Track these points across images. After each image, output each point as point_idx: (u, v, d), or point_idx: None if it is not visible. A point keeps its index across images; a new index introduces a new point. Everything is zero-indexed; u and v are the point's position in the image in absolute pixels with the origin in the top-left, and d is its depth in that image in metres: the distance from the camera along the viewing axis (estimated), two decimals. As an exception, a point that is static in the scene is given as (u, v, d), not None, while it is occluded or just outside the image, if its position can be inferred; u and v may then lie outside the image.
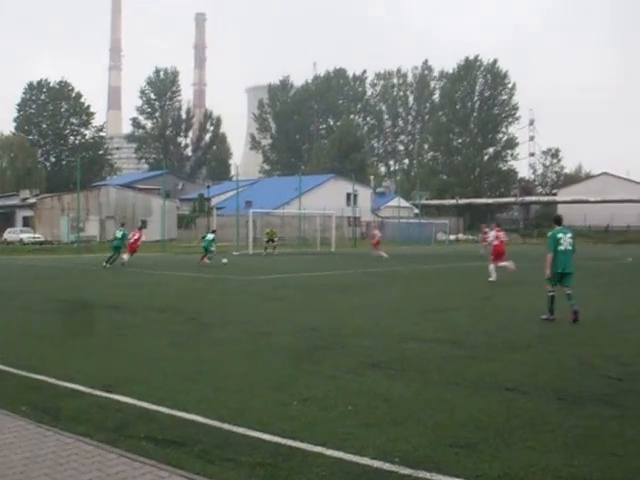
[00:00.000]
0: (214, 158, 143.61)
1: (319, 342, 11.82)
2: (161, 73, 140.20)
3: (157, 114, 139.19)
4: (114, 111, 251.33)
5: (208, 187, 66.31)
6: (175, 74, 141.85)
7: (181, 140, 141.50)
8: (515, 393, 8.18)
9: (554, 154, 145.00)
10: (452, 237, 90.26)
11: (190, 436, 6.49)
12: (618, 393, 8.24)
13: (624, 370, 9.61)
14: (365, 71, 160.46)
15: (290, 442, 6.29)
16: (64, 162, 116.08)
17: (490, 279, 25.68)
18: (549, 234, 15.48)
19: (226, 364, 9.89)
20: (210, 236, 37.49)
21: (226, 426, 6.78)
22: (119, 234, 34.46)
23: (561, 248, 14.93)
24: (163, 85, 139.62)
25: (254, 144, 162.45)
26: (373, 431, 6.64)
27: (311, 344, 11.59)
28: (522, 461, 5.85)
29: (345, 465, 5.76)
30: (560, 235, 15.04)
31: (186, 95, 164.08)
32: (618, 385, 8.68)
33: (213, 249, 36.76)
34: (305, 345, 11.50)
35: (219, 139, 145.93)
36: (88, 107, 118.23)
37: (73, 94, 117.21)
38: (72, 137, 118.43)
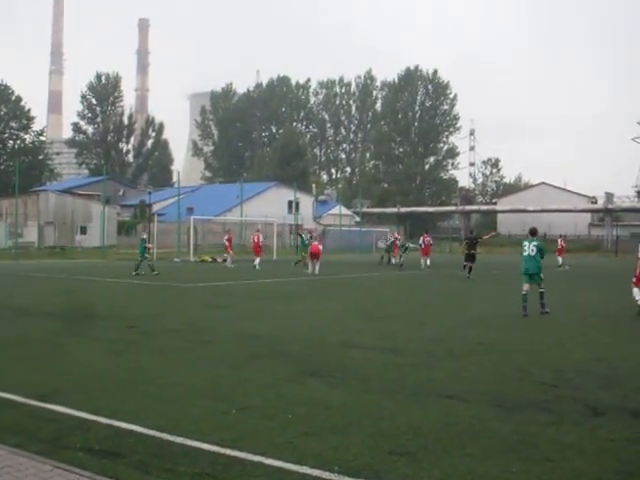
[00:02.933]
0: (156, 164, 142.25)
1: (259, 350, 11.78)
2: (103, 78, 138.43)
3: (98, 119, 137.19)
4: (55, 115, 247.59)
5: (149, 193, 65.70)
6: (117, 79, 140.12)
7: (123, 146, 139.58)
8: (454, 400, 8.24)
9: (494, 164, 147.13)
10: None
11: (127, 446, 6.39)
12: (554, 399, 8.36)
13: (560, 376, 9.76)
14: (309, 79, 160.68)
15: (229, 451, 6.23)
16: (2, 167, 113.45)
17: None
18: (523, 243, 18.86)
19: (165, 373, 9.78)
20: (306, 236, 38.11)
21: (164, 436, 6.69)
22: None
23: (525, 254, 18.27)
24: (105, 90, 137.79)
25: (196, 151, 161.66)
26: (313, 440, 6.62)
27: (251, 352, 11.54)
28: (461, 468, 5.88)
29: (285, 474, 5.73)
30: (525, 243, 18.45)
31: (128, 101, 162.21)
32: (554, 391, 8.81)
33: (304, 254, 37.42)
34: (245, 353, 11.45)
35: (161, 145, 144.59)
36: (28, 111, 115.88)
37: (13, 97, 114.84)
38: (11, 141, 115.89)
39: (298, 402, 8.05)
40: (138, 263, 33.23)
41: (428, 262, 40.61)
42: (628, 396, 8.61)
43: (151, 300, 21.61)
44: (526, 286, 18.03)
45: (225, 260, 42.66)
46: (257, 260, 38.92)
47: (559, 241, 47.82)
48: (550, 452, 6.34)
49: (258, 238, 40.21)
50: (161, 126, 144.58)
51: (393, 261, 41.92)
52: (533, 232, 18.86)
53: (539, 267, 18.06)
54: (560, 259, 45.47)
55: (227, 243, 41.37)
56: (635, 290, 18.38)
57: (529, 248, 18.15)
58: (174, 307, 19.48)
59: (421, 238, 42.35)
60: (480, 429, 7.03)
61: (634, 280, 18.56)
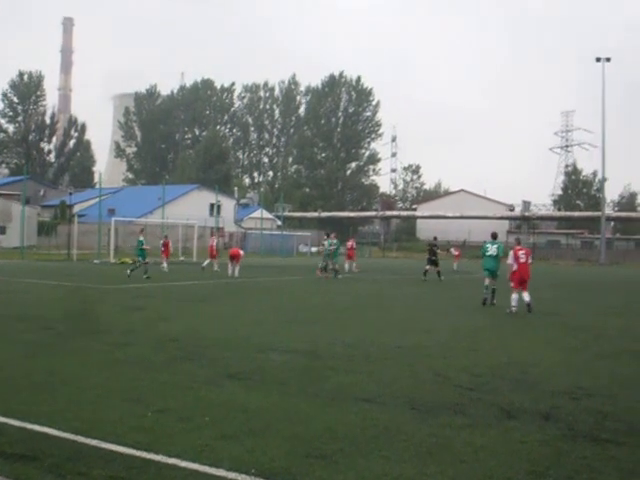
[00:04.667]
0: (77, 165, 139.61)
1: (178, 353, 11.69)
2: (25, 76, 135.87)
3: (20, 118, 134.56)
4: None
5: (70, 194, 64.72)
6: (40, 78, 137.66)
7: (44, 145, 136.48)
8: (371, 404, 8.30)
9: (415, 170, 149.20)
10: (314, 249, 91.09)
11: (41, 449, 6.26)
12: (469, 402, 8.50)
13: (475, 380, 9.92)
14: (233, 83, 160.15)
15: (144, 454, 6.16)
16: None
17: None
18: (484, 244, 22.51)
19: (82, 375, 9.63)
20: (326, 243, 37.38)
21: (79, 438, 6.58)
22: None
23: (488, 253, 21.65)
24: (27, 89, 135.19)
25: (119, 152, 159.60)
26: (229, 442, 6.60)
27: (170, 355, 11.44)
28: (376, 471, 5.93)
29: (200, 477, 5.70)
30: (488, 245, 21.74)
31: (51, 100, 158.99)
32: (470, 395, 8.95)
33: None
34: (163, 356, 11.34)
35: (83, 146, 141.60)
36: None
37: None
38: None
39: (215, 405, 8.02)
40: (141, 266, 32.75)
41: (354, 266, 41.24)
42: (539, 399, 8.81)
43: (69, 302, 21.21)
44: (487, 280, 21.76)
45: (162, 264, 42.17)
46: (207, 261, 39.99)
47: (452, 250, 51.61)
48: (464, 454, 6.45)
49: (214, 242, 40.75)
50: (84, 126, 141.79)
51: (347, 267, 41.75)
52: (494, 236, 22.13)
53: (499, 264, 21.43)
54: (455, 265, 47.68)
55: (163, 248, 41.03)
56: (513, 296, 19.90)
57: (492, 249, 21.55)
58: (93, 309, 19.19)
59: (347, 242, 43.14)
60: (396, 432, 7.10)
61: (512, 284, 20.13)
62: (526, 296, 19.80)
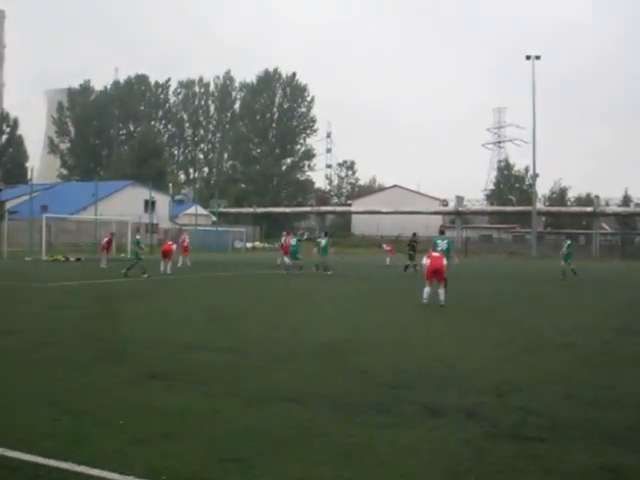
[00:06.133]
0: (10, 161, 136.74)
1: (101, 353, 11.42)
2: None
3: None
4: None
5: (0, 190, 63.42)
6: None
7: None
8: (294, 403, 8.15)
9: (349, 166, 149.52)
10: (249, 245, 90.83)
11: (-59, 459, 5.95)
12: (394, 401, 8.39)
13: (401, 377, 9.85)
14: (169, 79, 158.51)
15: (52, 462, 5.87)
16: None
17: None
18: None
19: (-4, 378, 9.32)
20: (323, 242, 38.60)
21: (-16, 446, 6.27)
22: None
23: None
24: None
25: (52, 148, 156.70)
26: (144, 446, 6.38)
27: (92, 355, 11.16)
28: (293, 474, 5.78)
29: (108, 485, 5.47)
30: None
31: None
32: (394, 393, 8.85)
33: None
34: (86, 356, 11.05)
35: (16, 141, 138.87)
36: None
37: None
38: None
39: (134, 407, 7.79)
40: (138, 265, 31.87)
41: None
42: (464, 396, 8.75)
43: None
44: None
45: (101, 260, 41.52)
46: (181, 260, 40.24)
47: (384, 245, 53.58)
48: (384, 455, 6.33)
49: (185, 239, 42.53)
50: (16, 122, 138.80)
51: (286, 260, 41.35)
52: (442, 232, 22.36)
53: (449, 261, 21.18)
54: (388, 260, 49.08)
55: (105, 244, 40.60)
56: (426, 289, 20.03)
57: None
58: (19, 307, 18.76)
59: (282, 238, 42.97)
60: (316, 433, 6.96)
61: (425, 277, 20.31)
62: (441, 294, 19.77)
